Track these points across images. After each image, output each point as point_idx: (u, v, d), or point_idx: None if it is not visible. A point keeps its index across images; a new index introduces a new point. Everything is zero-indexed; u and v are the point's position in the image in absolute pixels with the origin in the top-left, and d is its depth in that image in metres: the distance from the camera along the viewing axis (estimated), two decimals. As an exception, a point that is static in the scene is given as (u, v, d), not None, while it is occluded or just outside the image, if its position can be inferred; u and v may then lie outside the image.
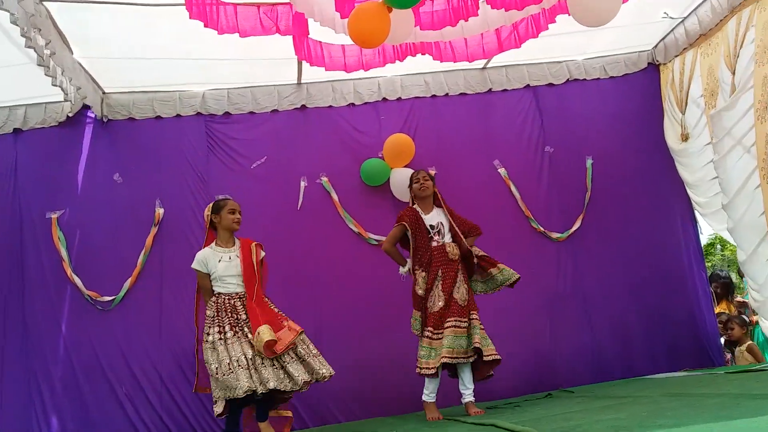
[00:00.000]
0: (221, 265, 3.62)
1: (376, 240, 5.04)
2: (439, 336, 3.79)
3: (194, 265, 3.67)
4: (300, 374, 3.41)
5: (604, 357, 5.09)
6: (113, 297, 4.69)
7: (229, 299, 3.57)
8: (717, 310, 5.33)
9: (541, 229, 5.23)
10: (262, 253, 3.77)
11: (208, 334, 3.51)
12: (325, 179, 5.13)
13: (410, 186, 4.21)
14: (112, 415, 4.55)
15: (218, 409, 3.44)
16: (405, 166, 5.06)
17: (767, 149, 4.00)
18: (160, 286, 4.78)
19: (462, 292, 3.92)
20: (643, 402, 2.99)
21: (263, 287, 3.73)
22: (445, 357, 3.70)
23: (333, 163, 5.16)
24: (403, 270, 4.17)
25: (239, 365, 3.37)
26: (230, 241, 3.72)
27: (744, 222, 4.28)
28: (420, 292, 3.95)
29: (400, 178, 4.93)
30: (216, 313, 3.56)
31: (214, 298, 3.61)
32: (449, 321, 3.79)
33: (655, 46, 5.50)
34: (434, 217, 4.10)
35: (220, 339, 3.46)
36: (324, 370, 3.50)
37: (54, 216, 4.75)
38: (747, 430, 1.82)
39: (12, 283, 4.66)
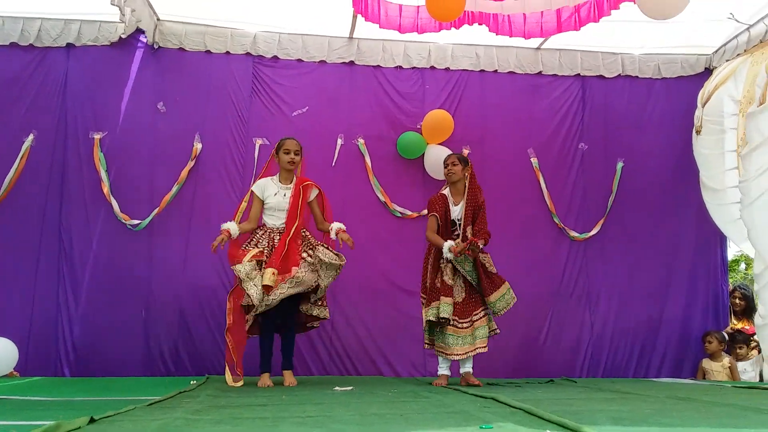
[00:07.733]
0: (275, 198, 3.89)
1: (399, 212, 5.06)
2: (465, 326, 3.84)
3: (253, 187, 3.98)
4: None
5: (601, 358, 5.11)
6: (140, 221, 4.78)
7: (270, 233, 3.86)
8: (737, 326, 5.23)
9: (562, 225, 5.21)
10: (314, 193, 3.98)
11: (248, 245, 3.82)
12: (361, 141, 5.12)
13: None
14: (132, 331, 4.69)
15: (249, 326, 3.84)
16: (442, 144, 5.03)
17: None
18: (189, 221, 4.85)
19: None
20: (648, 400, 2.99)
21: (328, 218, 4.02)
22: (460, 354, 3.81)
23: (372, 126, 5.14)
24: (446, 250, 3.85)
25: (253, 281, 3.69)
26: (288, 178, 3.95)
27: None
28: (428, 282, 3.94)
29: (435, 155, 4.90)
30: (259, 238, 3.84)
31: (261, 230, 3.89)
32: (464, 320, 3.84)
33: (716, 51, 5.35)
34: (460, 210, 3.96)
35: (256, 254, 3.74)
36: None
37: (97, 137, 4.82)
38: (752, 439, 1.82)
39: (52, 194, 4.78)
